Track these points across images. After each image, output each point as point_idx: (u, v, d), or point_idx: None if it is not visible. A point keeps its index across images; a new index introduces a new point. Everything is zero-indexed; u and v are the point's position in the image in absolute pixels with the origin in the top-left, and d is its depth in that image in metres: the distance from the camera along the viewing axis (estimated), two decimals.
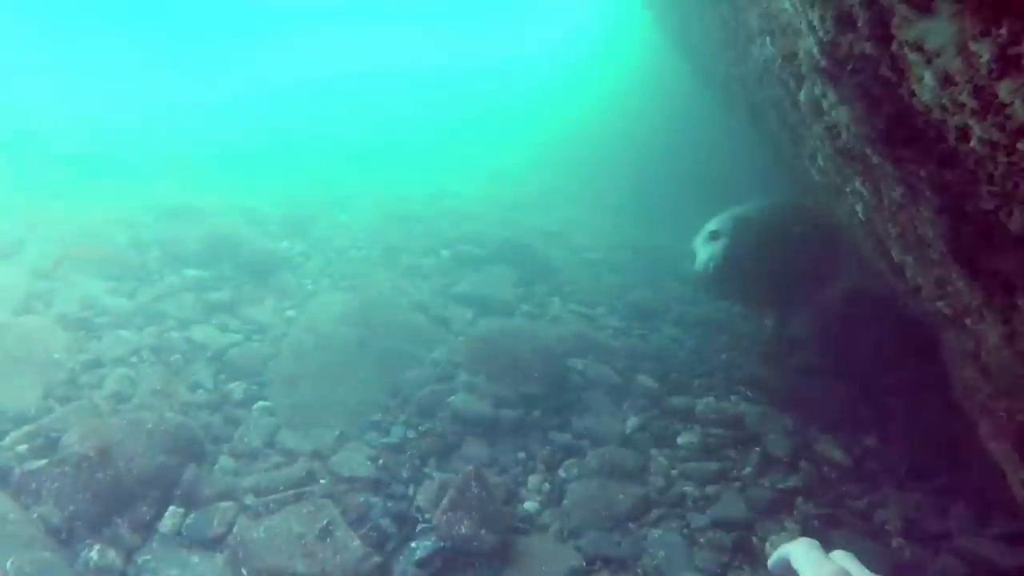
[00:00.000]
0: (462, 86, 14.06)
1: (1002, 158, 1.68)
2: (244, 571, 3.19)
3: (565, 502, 4.00)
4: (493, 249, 6.80)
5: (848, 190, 3.08)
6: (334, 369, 4.71)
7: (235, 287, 5.43)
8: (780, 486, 4.31)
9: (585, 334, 5.43)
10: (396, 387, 4.73)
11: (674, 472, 4.34)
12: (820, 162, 3.35)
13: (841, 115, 2.56)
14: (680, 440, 4.61)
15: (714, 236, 4.88)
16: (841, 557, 1.26)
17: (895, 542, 4.05)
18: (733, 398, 5.16)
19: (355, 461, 4.01)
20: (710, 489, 4.21)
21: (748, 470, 4.42)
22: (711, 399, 4.96)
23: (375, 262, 6.51)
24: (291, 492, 3.68)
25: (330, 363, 4.74)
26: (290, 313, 5.30)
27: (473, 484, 3.53)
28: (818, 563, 1.21)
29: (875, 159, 2.46)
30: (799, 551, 1.24)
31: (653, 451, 4.48)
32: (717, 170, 8.93)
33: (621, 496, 4.01)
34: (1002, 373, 2.72)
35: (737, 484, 4.29)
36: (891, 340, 5.00)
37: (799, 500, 4.25)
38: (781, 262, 5.06)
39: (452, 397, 4.59)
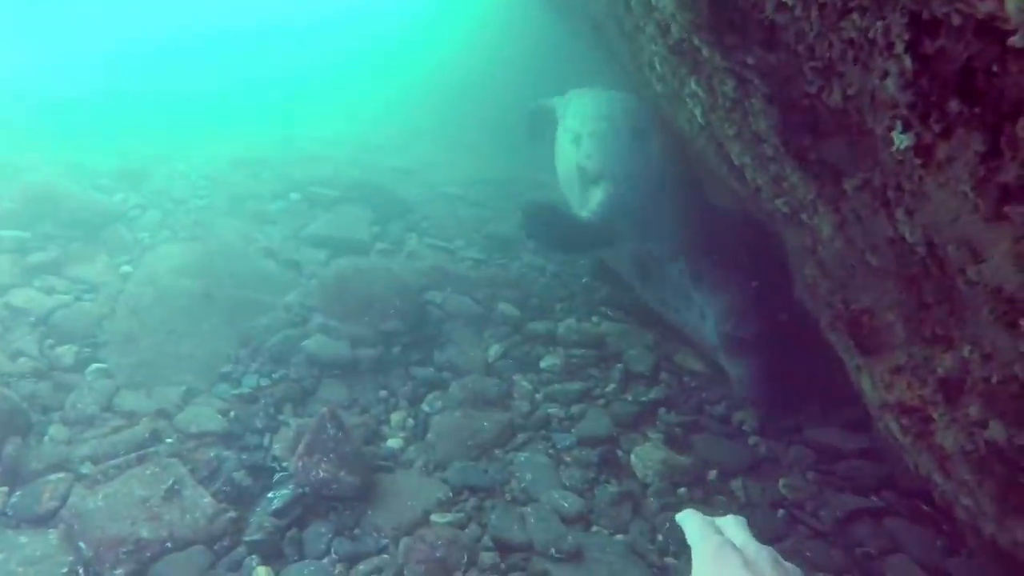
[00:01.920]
0: (314, 38, 13.36)
1: (816, 21, 1.65)
2: (82, 544, 2.96)
3: (429, 436, 3.93)
4: (346, 189, 6.54)
5: (686, 93, 3.06)
6: (177, 323, 4.42)
7: (61, 246, 4.98)
8: (643, 399, 4.39)
9: (443, 267, 5.32)
10: (247, 336, 4.49)
11: (538, 396, 4.34)
12: (657, 67, 3.32)
13: (667, 5, 2.51)
14: (543, 364, 4.61)
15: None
16: (731, 524, 1.34)
17: (752, 440, 4.21)
18: (594, 319, 5.20)
19: (204, 416, 3.79)
20: (575, 409, 4.24)
21: (611, 387, 4.48)
22: (572, 321, 4.98)
23: (219, 210, 6.13)
24: (133, 455, 3.44)
25: (172, 317, 4.44)
26: (126, 268, 4.92)
27: (328, 426, 3.39)
28: (705, 535, 1.29)
29: (704, 52, 2.42)
30: (690, 524, 1.33)
31: (516, 377, 4.47)
32: None
33: (486, 424, 3.97)
34: (837, 265, 2.79)
35: (601, 402, 4.34)
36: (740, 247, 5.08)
37: (661, 411, 4.35)
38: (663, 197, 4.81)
39: (306, 341, 4.40)
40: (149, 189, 6.27)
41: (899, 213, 1.91)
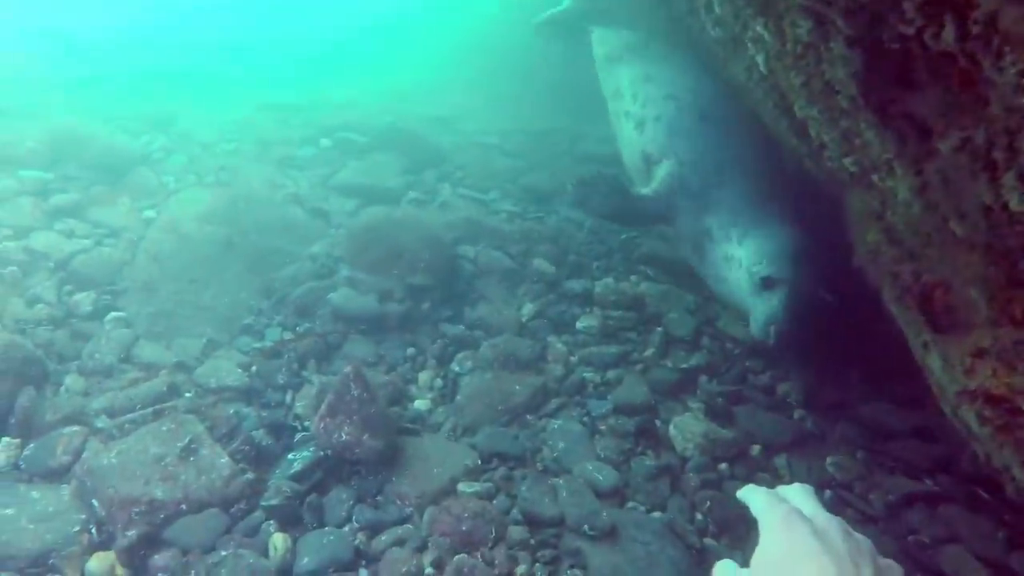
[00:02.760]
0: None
1: None
2: (95, 502, 2.82)
3: (458, 398, 3.75)
4: (377, 135, 6.30)
5: (748, 38, 2.77)
6: (199, 271, 4.26)
7: (83, 188, 4.82)
8: (683, 366, 4.17)
9: (476, 219, 5.09)
10: (270, 287, 4.32)
11: (573, 359, 4.13)
12: (716, 9, 3.02)
13: None
14: (579, 325, 4.39)
15: (767, 283, 3.97)
16: (798, 493, 1.34)
17: (797, 414, 3.99)
18: (633, 278, 4.96)
19: (224, 370, 3.64)
20: (611, 374, 4.03)
21: (650, 352, 4.25)
22: (610, 280, 4.75)
23: (246, 155, 5.94)
24: (149, 410, 3.30)
25: (194, 265, 4.28)
26: (149, 214, 4.76)
27: (352, 386, 3.21)
28: (772, 505, 1.27)
29: None
30: (755, 496, 1.32)
31: (551, 338, 4.25)
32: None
33: (517, 387, 3.78)
34: (910, 232, 2.52)
35: (639, 367, 4.12)
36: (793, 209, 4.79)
37: (703, 379, 4.12)
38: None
39: (332, 294, 4.22)
40: (175, 132, 6.09)
41: (1008, 178, 1.64)
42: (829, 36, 2.04)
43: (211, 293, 4.16)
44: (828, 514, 1.25)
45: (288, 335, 3.99)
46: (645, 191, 4.66)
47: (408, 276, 4.39)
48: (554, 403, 3.78)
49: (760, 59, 2.80)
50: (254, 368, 3.70)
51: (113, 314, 3.88)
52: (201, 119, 6.54)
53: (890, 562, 1.22)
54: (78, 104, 6.26)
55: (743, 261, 4.14)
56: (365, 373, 3.29)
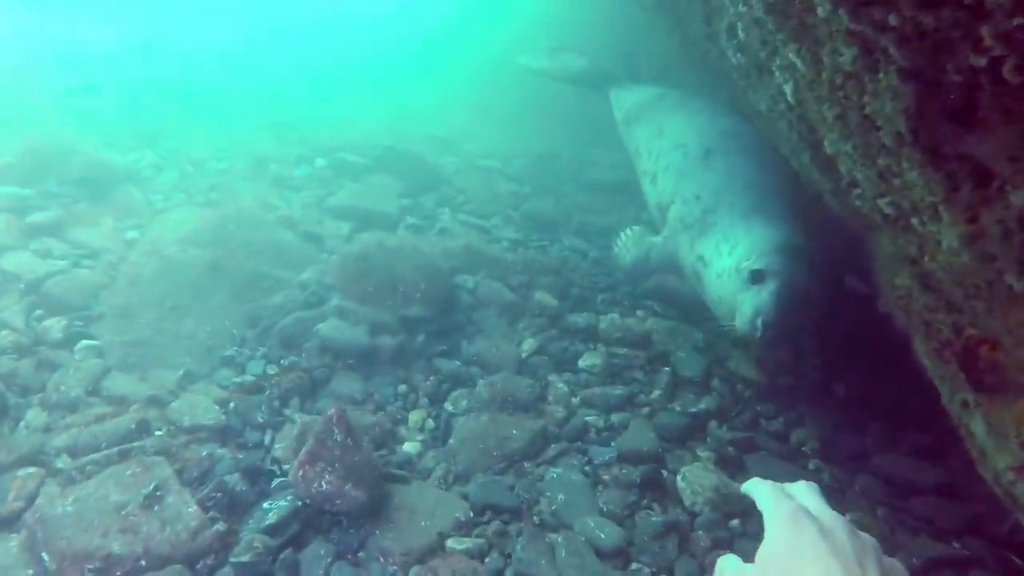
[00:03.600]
0: (367, 28, 12.75)
1: None
2: (45, 556, 2.56)
3: (451, 441, 3.49)
4: (376, 157, 6.08)
5: (775, 66, 2.54)
6: (181, 298, 4.01)
7: (64, 206, 4.59)
8: (692, 409, 3.91)
9: (476, 247, 4.85)
10: (256, 316, 4.07)
11: (575, 400, 3.88)
12: (740, 35, 2.79)
13: None
14: (582, 363, 4.15)
15: (756, 277, 3.74)
16: (803, 491, 1.33)
17: (812, 464, 3.74)
18: (639, 313, 4.72)
19: (200, 406, 3.38)
20: (615, 417, 3.78)
21: (657, 393, 4.00)
22: (615, 315, 4.50)
23: (239, 174, 5.72)
24: (115, 449, 3.04)
25: (176, 291, 4.04)
26: (132, 234, 4.53)
27: (335, 430, 2.95)
28: (778, 502, 1.26)
29: (822, 10, 1.90)
30: (761, 490, 1.31)
31: (552, 377, 4.00)
32: (627, 74, 8.35)
33: (515, 431, 3.52)
34: (952, 281, 2.28)
35: (645, 410, 3.87)
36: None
37: (712, 424, 3.87)
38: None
39: (321, 325, 3.97)
40: (167, 148, 5.87)
41: None
42: (877, 66, 1.80)
43: (192, 321, 3.91)
44: (834, 512, 1.24)
45: (272, 369, 3.74)
46: (623, 263, 4.86)
47: (402, 307, 4.15)
48: (554, 449, 3.52)
49: (788, 88, 2.57)
50: (232, 405, 3.44)
51: (85, 342, 3.62)
52: (195, 134, 6.32)
53: (894, 562, 1.21)
54: (67, 116, 6.04)
55: (733, 265, 3.92)
56: (349, 417, 3.03)
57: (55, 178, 4.74)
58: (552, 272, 4.83)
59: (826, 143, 2.63)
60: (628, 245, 4.87)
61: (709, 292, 4.12)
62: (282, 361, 3.79)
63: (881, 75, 1.81)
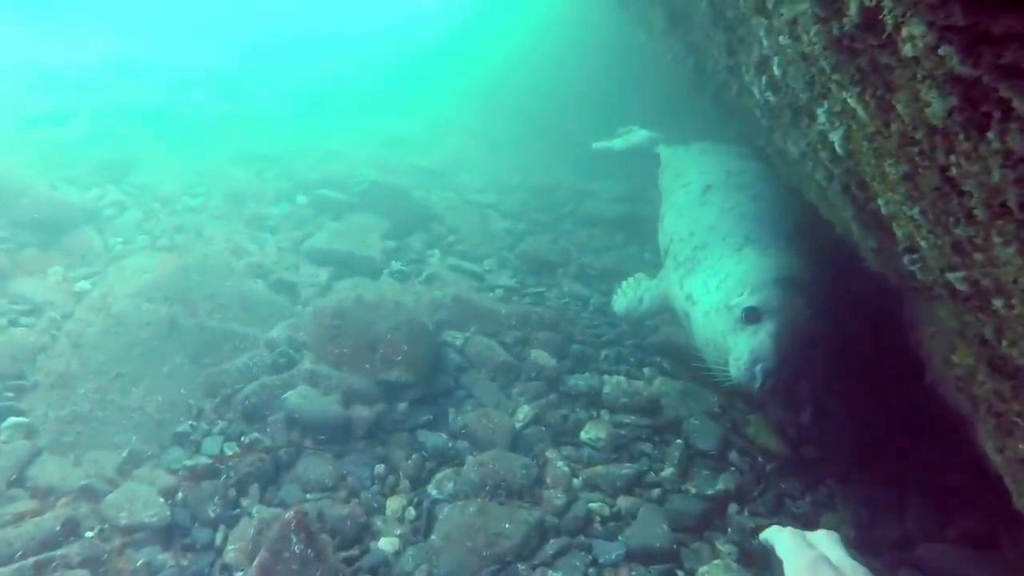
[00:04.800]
0: (360, 47, 12.34)
1: None
2: None
3: (434, 537, 3.02)
4: (360, 193, 5.62)
5: (822, 110, 2.09)
6: (130, 363, 3.54)
7: (8, 253, 4.13)
8: (709, 491, 3.45)
9: (466, 298, 4.38)
10: (216, 383, 3.60)
11: (576, 481, 3.41)
12: (775, 71, 2.35)
13: None
14: (584, 435, 3.68)
15: (751, 316, 3.30)
16: (824, 539, 1.37)
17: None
18: (647, 371, 4.26)
19: (142, 498, 2.91)
20: (622, 502, 3.31)
21: (669, 471, 3.54)
22: (621, 378, 4.02)
23: (212, 212, 5.27)
24: (30, 561, 2.56)
25: (125, 354, 3.57)
26: (82, 285, 4.07)
27: (293, 539, 2.49)
28: (798, 550, 1.30)
29: (912, 47, 1.44)
30: (781, 538, 1.35)
31: (550, 453, 3.53)
32: (627, 101, 7.96)
33: (507, 525, 3.04)
34: None
35: (656, 492, 3.41)
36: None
37: (732, 508, 3.41)
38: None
39: (290, 393, 3.50)
40: (134, 183, 5.42)
41: None
42: (987, 123, 1.35)
43: (142, 390, 3.44)
44: (855, 563, 1.23)
45: (230, 448, 3.27)
46: (617, 310, 4.52)
47: (381, 371, 3.68)
48: (553, 546, 3.04)
49: (836, 137, 2.12)
50: (180, 495, 2.97)
51: (13, 419, 3.15)
52: (168, 167, 5.87)
53: None
54: (26, 148, 5.57)
55: (722, 300, 3.49)
56: (310, 521, 2.56)
57: (1, 220, 4.28)
58: (550, 327, 4.36)
59: (881, 202, 2.19)
60: (624, 291, 4.50)
61: (697, 334, 3.70)
62: (243, 438, 3.32)
63: (992, 134, 1.37)
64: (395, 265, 4.86)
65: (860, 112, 1.82)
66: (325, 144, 7.17)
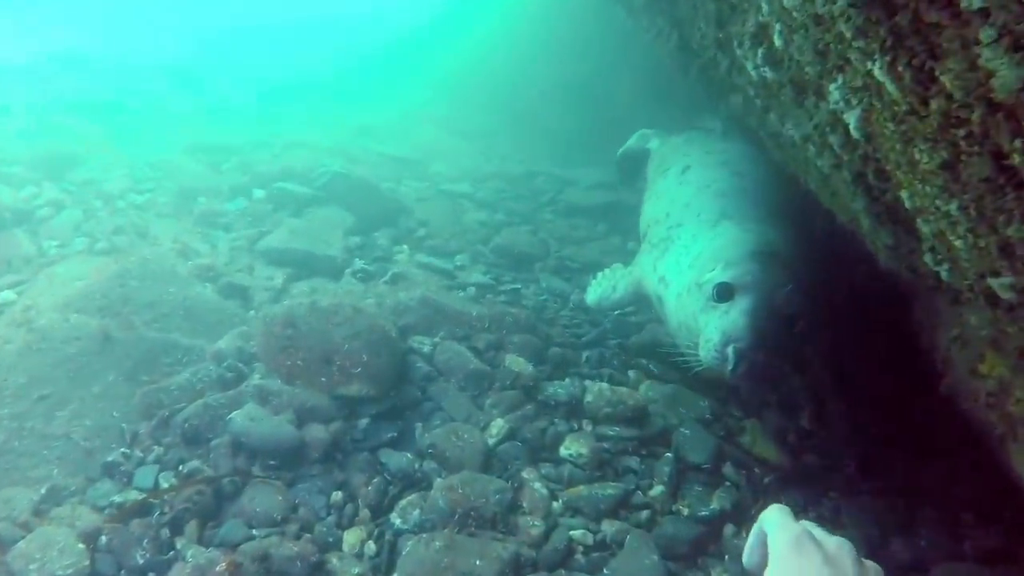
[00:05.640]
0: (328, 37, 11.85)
1: None
2: None
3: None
4: (322, 185, 5.23)
5: (836, 86, 1.74)
6: (54, 383, 3.16)
7: None
8: (702, 512, 3.12)
9: (435, 300, 4.01)
10: (153, 403, 3.23)
11: (556, 505, 3.07)
12: (776, 40, 1.99)
13: None
14: (564, 451, 3.33)
15: (723, 292, 2.96)
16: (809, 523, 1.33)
17: None
18: (632, 374, 3.94)
19: (58, 545, 2.54)
20: (607, 528, 2.99)
21: (658, 489, 3.21)
22: (604, 385, 3.67)
23: (160, 209, 4.87)
24: None
25: (49, 374, 3.19)
26: (6, 296, 3.67)
27: None
28: (784, 525, 1.27)
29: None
30: (770, 516, 1.33)
31: (527, 473, 3.19)
32: (607, 85, 7.62)
33: (479, 562, 2.70)
34: None
35: (644, 515, 3.08)
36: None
37: (728, 531, 3.09)
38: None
39: (236, 413, 3.13)
40: (75, 180, 5.02)
41: None
42: None
43: (67, 414, 3.07)
44: (839, 538, 1.23)
45: (167, 479, 2.90)
46: (589, 300, 4.25)
47: (339, 385, 3.33)
48: None
49: (852, 117, 1.78)
50: (104, 539, 2.61)
51: None
52: (116, 162, 5.47)
53: None
54: None
55: (694, 278, 3.18)
56: (245, 573, 2.20)
57: None
58: (526, 328, 4.00)
59: (904, 195, 1.84)
60: (599, 281, 4.23)
61: (670, 318, 3.42)
62: (181, 467, 2.95)
63: None
64: (358, 264, 4.48)
65: (889, 87, 1.47)
66: (290, 135, 6.77)
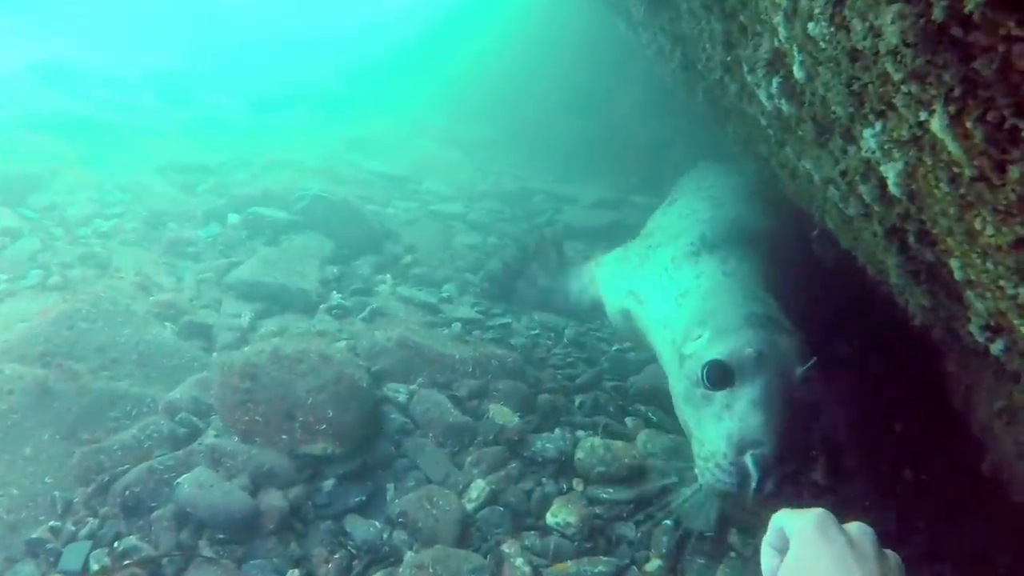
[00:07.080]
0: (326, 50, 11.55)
1: None
2: None
3: None
4: (301, 209, 4.89)
5: (871, 133, 1.40)
6: None
7: None
8: None
9: (414, 342, 3.65)
10: (92, 466, 2.89)
11: None
12: (796, 72, 1.64)
13: None
14: (551, 518, 2.99)
15: (719, 376, 2.35)
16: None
17: None
18: (630, 422, 3.59)
19: None
20: None
21: (655, 564, 2.86)
22: (597, 440, 3.31)
23: (125, 238, 4.54)
24: None
25: None
26: None
27: None
28: (804, 513, 1.24)
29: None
30: (784, 512, 1.30)
31: (508, 547, 2.85)
32: (609, 95, 7.32)
33: None
34: None
35: None
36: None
37: None
38: None
39: (182, 478, 2.80)
40: (36, 205, 4.70)
41: None
42: None
43: None
44: (861, 524, 1.21)
45: (99, 559, 2.56)
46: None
47: (302, 444, 2.99)
48: None
49: (892, 172, 1.43)
50: None
51: None
52: (82, 184, 5.15)
53: None
54: None
55: (681, 335, 2.73)
56: None
57: None
58: (513, 374, 3.64)
59: (956, 264, 1.49)
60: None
61: (659, 352, 3.12)
62: (116, 544, 2.61)
63: None
64: (335, 298, 4.14)
65: (949, 144, 1.12)
66: (275, 151, 6.44)
